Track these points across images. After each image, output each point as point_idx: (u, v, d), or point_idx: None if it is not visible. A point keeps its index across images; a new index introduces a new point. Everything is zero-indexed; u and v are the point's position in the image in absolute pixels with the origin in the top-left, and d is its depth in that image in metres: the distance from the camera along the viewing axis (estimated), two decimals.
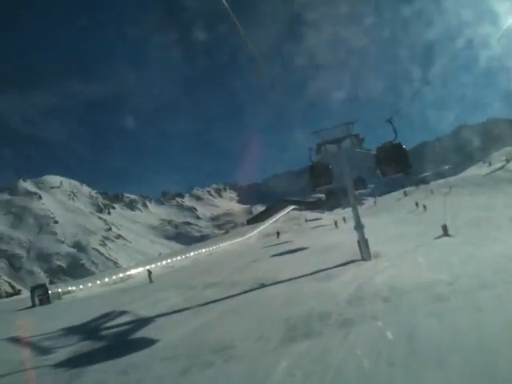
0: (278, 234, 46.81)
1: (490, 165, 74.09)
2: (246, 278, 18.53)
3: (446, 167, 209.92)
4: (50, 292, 26.87)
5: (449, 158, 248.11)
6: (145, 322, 13.34)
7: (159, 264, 33.12)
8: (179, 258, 35.61)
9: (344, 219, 51.76)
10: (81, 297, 26.89)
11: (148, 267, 30.19)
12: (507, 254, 15.35)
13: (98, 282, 28.96)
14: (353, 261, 19.78)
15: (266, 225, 67.78)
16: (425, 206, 42.39)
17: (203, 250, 40.31)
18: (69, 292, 28.34)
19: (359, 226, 20.96)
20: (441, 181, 70.51)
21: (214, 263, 30.19)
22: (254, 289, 15.78)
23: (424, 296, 10.32)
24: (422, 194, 61.63)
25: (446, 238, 25.25)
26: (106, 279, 29.82)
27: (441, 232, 26.99)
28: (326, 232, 43.37)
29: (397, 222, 39.32)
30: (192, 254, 37.99)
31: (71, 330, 13.85)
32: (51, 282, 76.49)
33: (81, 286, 28.65)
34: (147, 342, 10.52)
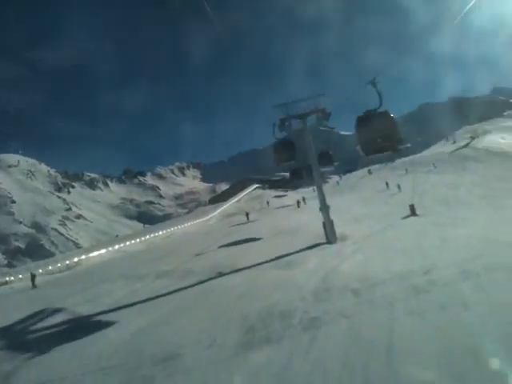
0: (247, 215, 45.63)
1: (455, 142, 75.15)
2: (202, 266, 17.15)
3: (408, 145, 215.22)
4: None
5: (410, 136, 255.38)
6: (81, 322, 11.79)
7: (111, 249, 31.18)
8: (133, 241, 33.76)
9: (303, 199, 50.87)
10: (20, 288, 24.64)
11: (84, 256, 28.46)
12: (482, 236, 14.72)
13: (40, 270, 26.70)
14: (318, 244, 18.84)
15: (228, 205, 66.34)
16: (399, 186, 41.40)
17: (160, 233, 38.54)
18: (6, 283, 26.02)
19: (324, 207, 19.97)
20: (406, 159, 70.88)
21: (170, 247, 28.46)
22: (211, 278, 14.43)
23: (399, 288, 9.32)
24: (387, 172, 61.80)
25: (413, 218, 24.75)
26: (50, 267, 27.61)
27: (408, 212, 26.55)
28: (290, 212, 42.43)
29: (362, 202, 38.79)
30: (148, 236, 36.16)
31: None
32: (10, 264, 73.88)
33: (20, 276, 26.30)
34: (79, 350, 9.06)
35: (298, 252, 17.32)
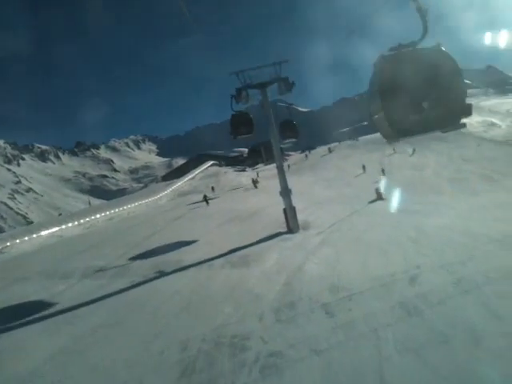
0: (205, 198, 43.34)
1: None
2: (139, 261, 14.83)
3: (365, 123, 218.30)
4: None
5: (366, 116, 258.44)
6: None
7: (45, 233, 27.93)
8: (71, 224, 30.52)
9: (257, 175, 48.84)
10: None
11: (9, 243, 25.16)
12: (464, 229, 13.24)
13: None
14: (278, 234, 16.97)
15: (182, 182, 63.40)
16: (364, 167, 39.87)
17: (103, 214, 35.44)
18: None
19: (286, 192, 17.95)
20: (367, 137, 69.98)
21: (110, 233, 25.55)
22: (150, 279, 12.17)
23: (383, 305, 7.53)
24: (348, 150, 60.61)
25: (381, 203, 23.36)
26: None
27: (373, 195, 25.18)
28: (247, 193, 40.19)
29: (324, 183, 37.13)
30: (88, 219, 32.98)
31: None
32: None
33: None
34: None
35: (254, 244, 15.36)
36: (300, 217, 18.06)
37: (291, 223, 17.40)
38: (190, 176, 70.14)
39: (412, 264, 9.96)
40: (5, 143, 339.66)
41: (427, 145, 47.42)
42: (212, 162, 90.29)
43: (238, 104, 18.70)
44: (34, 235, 27.57)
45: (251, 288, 9.79)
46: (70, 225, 30.42)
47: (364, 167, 39.81)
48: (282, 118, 19.02)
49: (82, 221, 31.90)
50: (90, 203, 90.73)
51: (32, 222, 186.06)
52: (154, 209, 39.87)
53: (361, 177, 37.08)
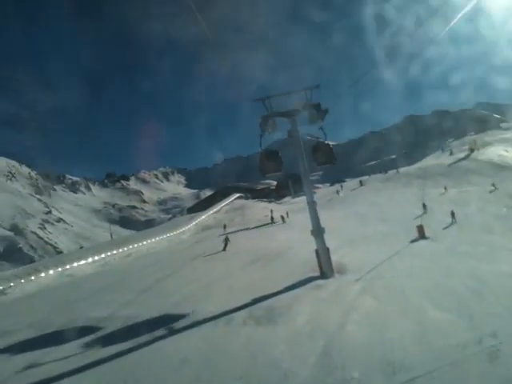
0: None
1: (452, 154, 72.36)
2: (150, 309, 12.88)
3: (393, 156, 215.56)
4: None
5: (395, 148, 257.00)
6: None
7: (53, 272, 26.18)
8: (84, 262, 28.66)
9: (287, 214, 46.56)
10: None
11: (12, 284, 23.46)
12: None
13: None
14: (310, 279, 14.86)
15: (205, 216, 61.82)
16: (425, 206, 33.48)
17: (120, 250, 33.75)
18: None
19: (318, 231, 15.93)
20: (402, 169, 67.45)
21: (123, 273, 23.37)
22: (156, 338, 10.16)
23: None
24: (380, 183, 58.15)
25: (424, 243, 21.11)
26: None
27: (414, 233, 22.92)
28: (273, 228, 38.17)
29: (357, 218, 34.85)
30: (103, 255, 31.30)
31: None
32: None
33: None
34: None
35: (283, 292, 13.29)
36: (333, 258, 16.02)
37: (324, 267, 15.33)
38: (214, 209, 68.64)
39: (484, 329, 7.90)
40: (37, 174, 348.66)
41: (466, 179, 44.87)
42: (238, 195, 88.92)
43: (264, 134, 17.20)
44: (43, 274, 26.01)
45: (278, 359, 7.73)
46: (82, 262, 28.89)
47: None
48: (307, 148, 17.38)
49: (96, 257, 30.39)
50: (111, 236, 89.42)
51: (61, 252, 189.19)
52: (177, 244, 38.16)
53: (395, 211, 34.62)
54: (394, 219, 30.37)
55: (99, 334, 11.22)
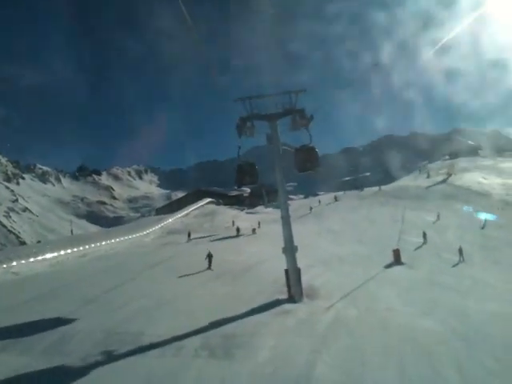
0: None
1: (429, 176, 72.37)
2: (88, 326, 11.10)
3: (367, 174, 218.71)
4: None
5: (370, 166, 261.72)
6: None
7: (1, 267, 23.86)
8: (33, 259, 26.09)
9: (258, 224, 45.17)
10: None
11: None
12: None
13: None
14: (276, 302, 13.48)
15: (173, 219, 59.60)
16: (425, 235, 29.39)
17: (75, 250, 31.27)
18: None
19: (290, 249, 14.58)
20: (374, 188, 66.81)
21: (71, 277, 20.86)
22: (90, 364, 8.44)
23: None
24: (356, 200, 57.31)
25: (399, 269, 20.04)
26: None
27: (389, 256, 21.87)
28: (243, 239, 36.42)
29: (331, 236, 33.55)
30: (57, 254, 28.81)
31: None
32: None
33: None
34: None
35: (245, 315, 11.86)
36: (304, 278, 14.79)
37: (294, 290, 14.03)
38: (183, 212, 66.55)
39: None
40: (7, 161, 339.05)
41: (444, 203, 44.33)
42: (209, 200, 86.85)
43: (241, 137, 15.89)
44: None
45: None
46: (32, 260, 26.53)
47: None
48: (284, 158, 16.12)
49: (48, 255, 28.02)
50: (72, 232, 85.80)
51: (24, 242, 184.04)
52: (138, 247, 36.05)
53: (370, 231, 33.63)
54: (370, 240, 29.30)
55: (26, 353, 9.42)
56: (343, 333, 10.17)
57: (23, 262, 25.81)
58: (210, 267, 20.44)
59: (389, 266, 20.64)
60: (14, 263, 25.28)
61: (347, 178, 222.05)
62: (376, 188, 65.13)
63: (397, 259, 21.56)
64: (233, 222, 47.82)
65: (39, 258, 27.16)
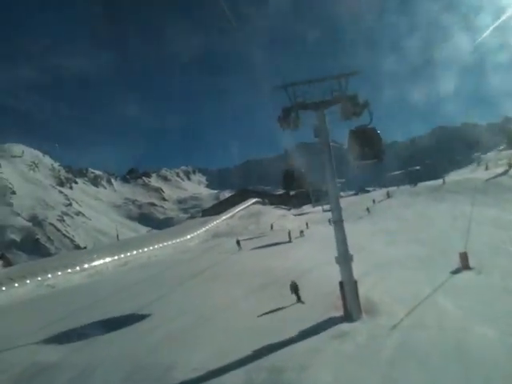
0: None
1: (487, 168, 68.11)
2: (114, 358, 9.86)
3: (417, 167, 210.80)
4: None
5: (420, 159, 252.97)
6: None
7: (35, 282, 22.80)
8: (70, 270, 25.30)
9: (306, 225, 43.54)
10: None
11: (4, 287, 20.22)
12: None
13: None
14: (330, 321, 11.86)
15: (218, 221, 58.88)
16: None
17: (115, 258, 30.52)
18: None
19: (345, 259, 12.88)
20: (429, 183, 63.16)
21: (103, 291, 19.56)
22: None
23: None
24: (410, 197, 54.25)
25: (470, 275, 17.83)
26: None
27: (455, 260, 19.59)
28: (290, 243, 34.49)
29: (386, 236, 31.18)
30: (96, 263, 28.02)
31: None
32: (2, 256, 70.09)
33: None
34: None
35: (294, 340, 10.31)
36: (360, 289, 12.95)
37: (350, 305, 12.32)
38: (228, 214, 65.78)
39: None
40: (60, 166, 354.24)
41: (506, 197, 40.75)
42: (255, 200, 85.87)
43: (284, 131, 14.26)
44: (16, 284, 22.68)
45: None
46: (69, 270, 25.79)
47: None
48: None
49: (86, 265, 27.31)
50: (118, 237, 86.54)
51: (78, 246, 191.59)
52: (181, 252, 35.20)
53: (431, 230, 31.10)
54: (429, 240, 26.88)
55: None
56: (413, 364, 8.46)
57: (59, 273, 25.30)
58: (299, 300, 14.96)
59: (456, 271, 18.45)
60: (49, 275, 24.73)
61: (397, 172, 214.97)
62: (438, 181, 60.81)
63: (464, 263, 19.31)
64: (271, 226, 47.48)
65: (77, 268, 26.62)
